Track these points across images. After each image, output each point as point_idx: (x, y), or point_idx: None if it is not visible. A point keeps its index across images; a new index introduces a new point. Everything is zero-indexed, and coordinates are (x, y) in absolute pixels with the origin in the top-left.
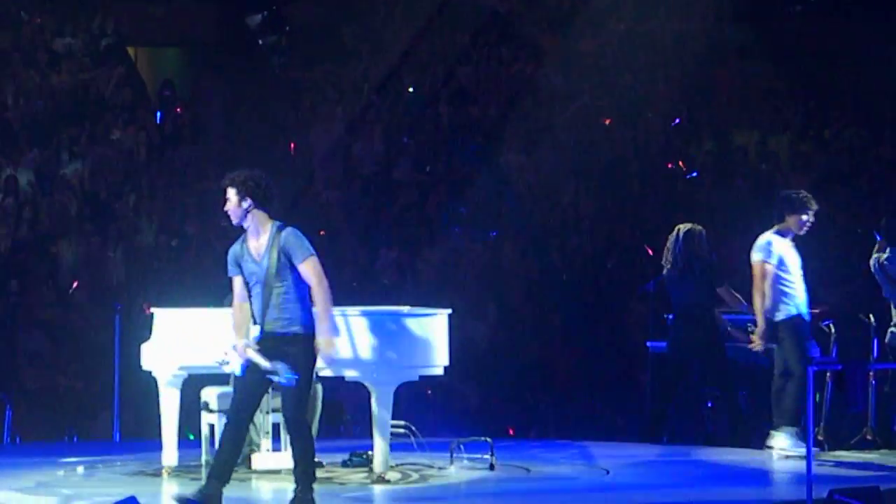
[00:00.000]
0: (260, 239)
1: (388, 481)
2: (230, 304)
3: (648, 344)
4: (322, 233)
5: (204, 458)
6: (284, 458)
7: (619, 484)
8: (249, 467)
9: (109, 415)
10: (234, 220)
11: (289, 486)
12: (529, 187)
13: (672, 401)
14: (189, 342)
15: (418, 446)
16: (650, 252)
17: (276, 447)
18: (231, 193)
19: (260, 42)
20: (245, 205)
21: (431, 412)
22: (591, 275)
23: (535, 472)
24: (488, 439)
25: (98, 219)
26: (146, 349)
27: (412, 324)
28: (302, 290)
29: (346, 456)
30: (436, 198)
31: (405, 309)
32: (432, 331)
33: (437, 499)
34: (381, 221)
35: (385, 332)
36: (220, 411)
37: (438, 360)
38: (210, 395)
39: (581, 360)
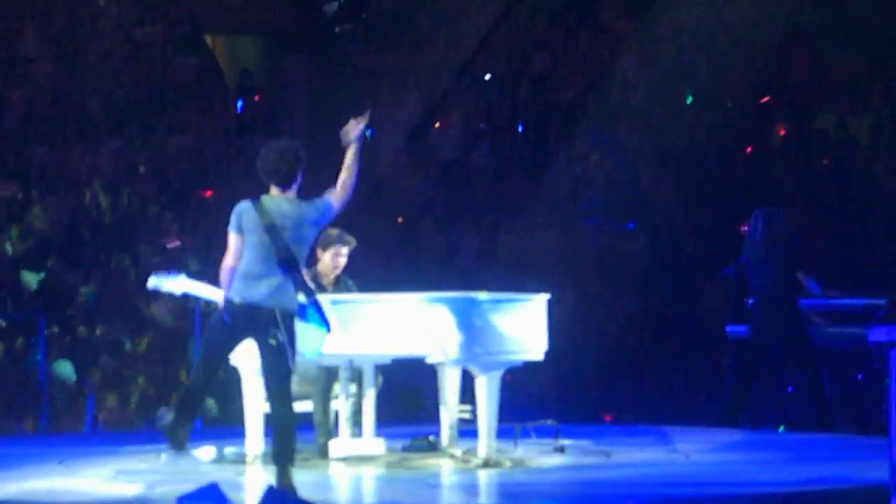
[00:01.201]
0: None
1: (493, 466)
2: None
3: (727, 328)
4: (400, 219)
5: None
6: (363, 445)
7: (700, 470)
8: (326, 455)
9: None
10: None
11: (368, 471)
12: (607, 172)
13: (753, 386)
14: None
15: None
16: (731, 235)
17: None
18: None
19: (337, 29)
20: None
21: (507, 397)
22: (670, 259)
23: (616, 457)
24: (554, 422)
25: (175, 206)
26: None
27: (516, 308)
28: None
29: (406, 441)
30: (513, 183)
31: (502, 295)
32: (535, 315)
33: (541, 484)
34: (459, 208)
35: (492, 317)
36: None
37: (540, 344)
38: None
39: (659, 344)
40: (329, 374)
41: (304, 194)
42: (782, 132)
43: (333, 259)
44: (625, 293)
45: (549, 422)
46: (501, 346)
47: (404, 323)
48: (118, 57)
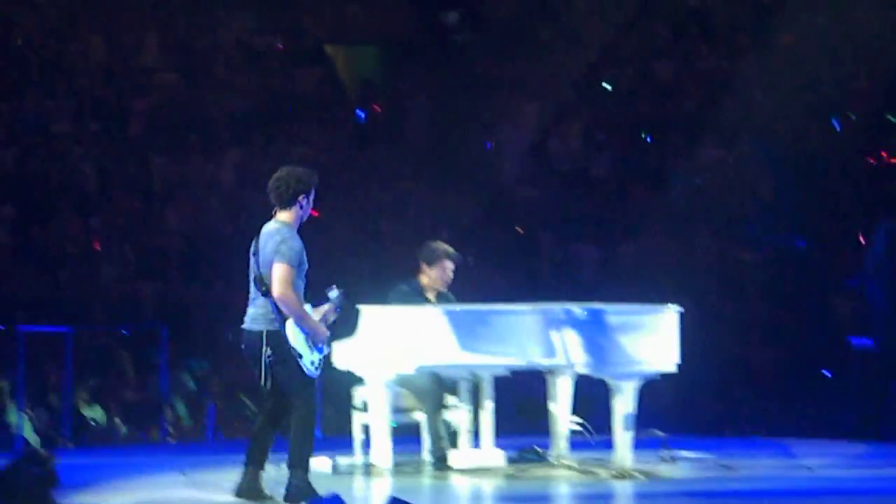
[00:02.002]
0: None
1: (631, 477)
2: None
3: (852, 340)
4: (519, 230)
5: (361, 459)
6: (483, 456)
7: (826, 484)
8: (442, 467)
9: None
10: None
11: (489, 482)
12: (728, 181)
13: (882, 398)
14: (400, 341)
15: (594, 442)
16: (854, 246)
17: (475, 444)
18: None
19: (456, 39)
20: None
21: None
22: (791, 269)
23: (739, 470)
24: (662, 433)
25: None
26: (351, 348)
27: (654, 321)
28: None
29: (513, 452)
30: (633, 193)
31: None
32: (670, 328)
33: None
34: (578, 218)
35: (629, 329)
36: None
37: (674, 356)
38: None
39: (781, 355)
40: (441, 387)
41: (416, 209)
42: None
43: (443, 273)
44: (747, 304)
45: (658, 433)
46: (638, 357)
47: (535, 333)
48: (239, 68)
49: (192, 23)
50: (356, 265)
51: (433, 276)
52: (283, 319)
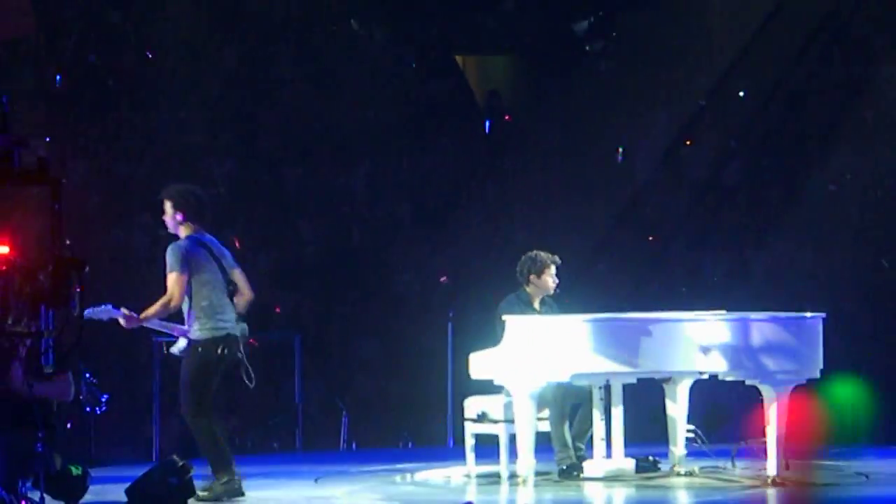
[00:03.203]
0: None
1: (782, 485)
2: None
3: None
4: (651, 238)
5: (505, 468)
6: (615, 464)
7: None
8: (572, 475)
9: (443, 420)
10: (170, 230)
11: (619, 491)
12: (864, 189)
13: None
14: (547, 353)
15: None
16: None
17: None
18: (167, 206)
19: (587, 48)
20: (178, 217)
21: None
22: None
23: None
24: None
25: (428, 226)
26: (495, 358)
27: (804, 328)
28: (193, 300)
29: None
30: (766, 202)
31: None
32: (815, 334)
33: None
34: (710, 226)
35: (786, 336)
36: (505, 421)
37: (819, 362)
38: (490, 404)
39: None
40: (566, 395)
41: (548, 218)
42: None
43: (549, 280)
44: (886, 312)
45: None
46: (790, 363)
47: (690, 341)
48: (371, 78)
49: (326, 34)
50: (488, 273)
51: (542, 283)
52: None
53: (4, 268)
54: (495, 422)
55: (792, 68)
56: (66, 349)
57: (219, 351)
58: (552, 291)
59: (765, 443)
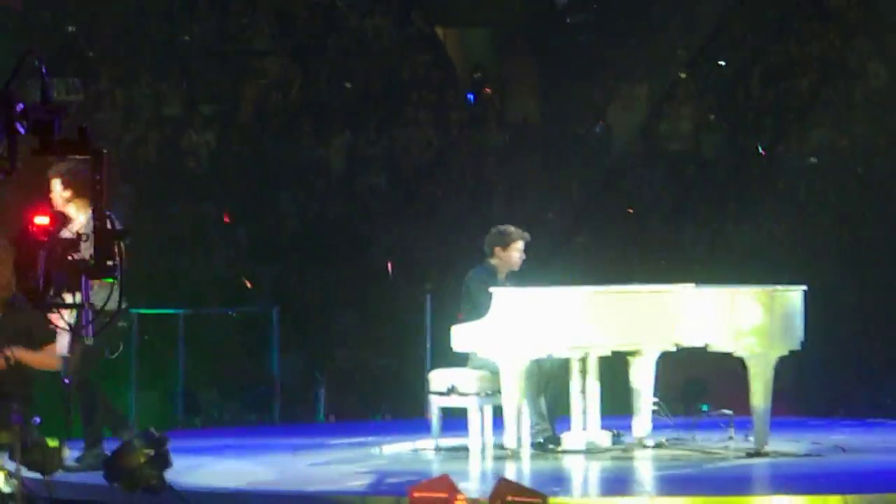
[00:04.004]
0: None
1: (766, 454)
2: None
3: None
4: (630, 210)
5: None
6: (593, 436)
7: None
8: (549, 448)
9: (422, 394)
10: (58, 208)
11: (597, 463)
12: (844, 161)
13: None
14: (538, 325)
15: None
16: None
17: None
18: (55, 184)
19: (567, 20)
20: (66, 195)
21: (739, 389)
22: None
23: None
24: (729, 412)
25: (406, 199)
26: (482, 331)
27: (788, 299)
28: None
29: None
30: (745, 175)
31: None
32: (796, 306)
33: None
34: (688, 199)
35: (764, 308)
36: (477, 394)
37: (800, 334)
38: (459, 378)
39: None
40: (541, 369)
41: (527, 190)
42: None
43: (515, 255)
44: (866, 284)
45: (727, 413)
46: (774, 337)
47: (677, 313)
48: (350, 51)
49: (305, 6)
50: (467, 245)
51: (507, 257)
52: None
53: (46, 238)
54: (465, 395)
55: (770, 42)
56: (109, 319)
57: None
58: (516, 267)
59: (725, 414)
